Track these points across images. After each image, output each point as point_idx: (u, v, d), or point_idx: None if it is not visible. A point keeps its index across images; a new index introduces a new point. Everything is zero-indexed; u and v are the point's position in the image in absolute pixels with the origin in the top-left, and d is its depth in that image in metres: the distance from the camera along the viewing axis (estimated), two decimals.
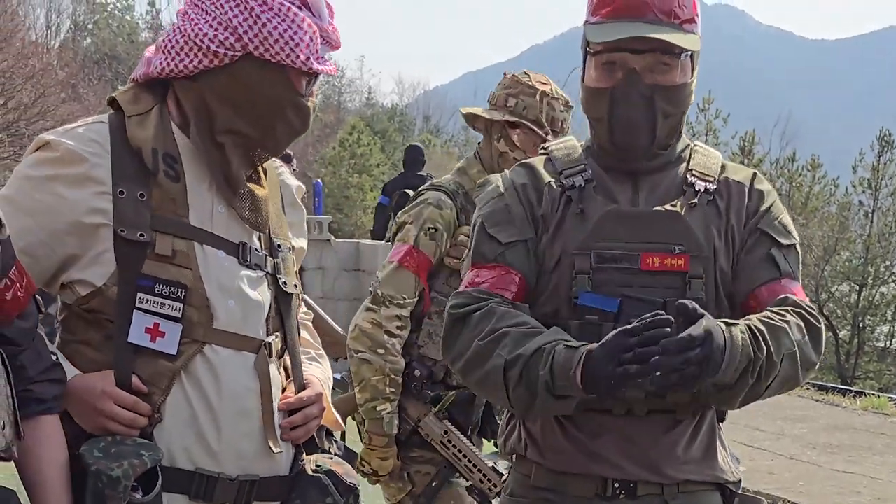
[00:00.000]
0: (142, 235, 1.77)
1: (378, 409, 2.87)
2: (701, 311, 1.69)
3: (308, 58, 1.82)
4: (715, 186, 1.96)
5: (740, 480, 1.99)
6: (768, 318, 1.85)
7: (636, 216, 1.93)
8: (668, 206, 1.93)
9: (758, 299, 1.92)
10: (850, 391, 11.68)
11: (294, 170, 12.80)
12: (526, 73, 3.08)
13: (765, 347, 1.79)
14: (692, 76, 1.96)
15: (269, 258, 1.93)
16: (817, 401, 9.07)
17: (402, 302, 2.87)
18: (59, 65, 24.74)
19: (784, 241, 1.95)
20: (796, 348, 1.82)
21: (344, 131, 31.85)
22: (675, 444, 1.90)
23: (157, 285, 1.77)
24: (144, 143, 1.82)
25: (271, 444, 1.86)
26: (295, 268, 2.03)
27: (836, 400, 9.42)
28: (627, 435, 1.88)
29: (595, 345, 1.72)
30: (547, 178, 1.99)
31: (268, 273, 1.92)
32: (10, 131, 19.62)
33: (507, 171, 2.08)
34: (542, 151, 2.09)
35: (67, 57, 28.50)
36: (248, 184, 1.90)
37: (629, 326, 1.69)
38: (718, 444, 1.97)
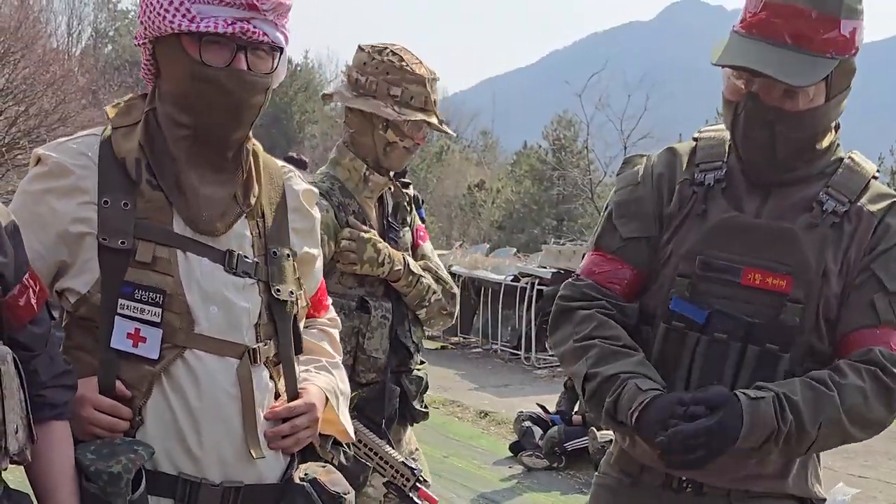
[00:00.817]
0: (123, 243, 1.80)
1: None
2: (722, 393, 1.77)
3: (192, 20, 1.77)
4: (846, 209, 1.87)
5: (824, 501, 1.96)
6: (817, 382, 1.81)
7: (750, 228, 1.88)
8: (785, 223, 1.86)
9: (848, 344, 1.87)
10: None
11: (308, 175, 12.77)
12: (395, 54, 2.89)
13: (791, 418, 1.76)
14: (832, 95, 1.86)
15: (261, 266, 1.91)
16: None
17: None
18: (80, 71, 24.90)
19: (892, 287, 1.85)
20: (843, 415, 1.79)
21: None
22: (747, 457, 1.85)
23: (136, 291, 1.80)
24: (129, 153, 1.84)
25: (252, 451, 1.85)
26: (300, 274, 2.00)
27: None
28: None
29: (659, 395, 1.81)
30: (683, 173, 1.97)
31: (260, 280, 1.90)
32: (30, 137, 19.72)
33: (652, 155, 2.05)
34: (695, 135, 2.05)
35: (88, 63, 28.72)
36: (206, 184, 1.86)
37: (684, 396, 1.78)
38: (800, 462, 1.92)
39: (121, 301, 1.80)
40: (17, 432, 1.60)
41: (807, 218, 1.87)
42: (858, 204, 1.89)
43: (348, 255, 2.74)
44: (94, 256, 1.81)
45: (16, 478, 1.75)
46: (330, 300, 2.28)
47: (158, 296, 1.80)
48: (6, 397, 1.57)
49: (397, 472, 2.80)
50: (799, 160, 1.90)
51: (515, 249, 16.68)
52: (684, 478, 1.91)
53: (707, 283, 1.87)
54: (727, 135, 1.98)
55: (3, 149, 19.21)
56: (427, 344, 12.27)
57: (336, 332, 2.21)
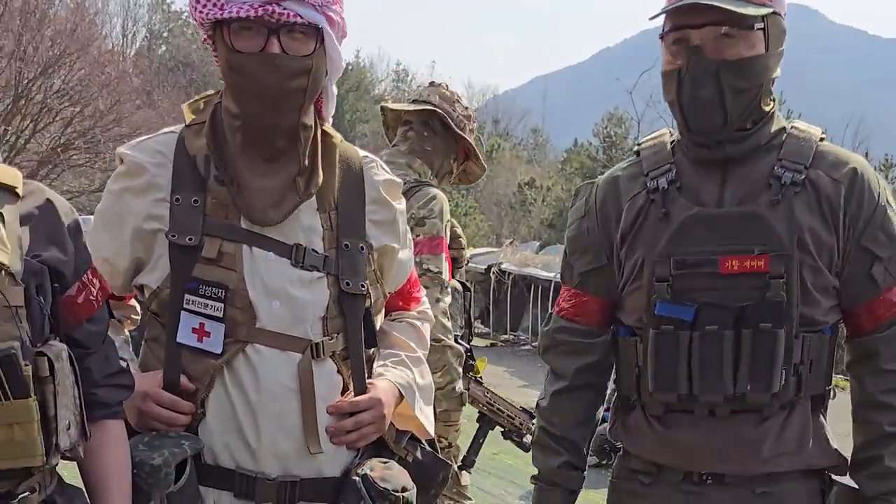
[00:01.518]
0: (190, 240, 1.82)
1: (456, 388, 3.13)
2: None
3: (221, 7, 1.76)
4: (803, 176, 1.87)
5: (846, 461, 1.95)
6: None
7: (716, 218, 1.88)
8: (748, 206, 1.87)
9: (859, 318, 1.92)
10: None
11: None
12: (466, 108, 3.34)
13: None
14: (770, 48, 1.88)
15: (331, 259, 1.89)
16: None
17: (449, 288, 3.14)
18: (135, 72, 25.31)
19: (884, 254, 1.88)
20: None
21: None
22: (762, 440, 1.87)
23: (201, 286, 1.82)
24: (199, 150, 1.87)
25: (310, 445, 1.85)
26: (377, 267, 1.98)
27: None
28: (711, 434, 1.89)
29: None
30: (629, 192, 1.99)
31: (329, 274, 1.88)
32: (86, 138, 20.10)
33: (597, 182, 2.09)
34: (635, 149, 2.07)
35: (143, 64, 29.19)
36: (260, 175, 1.85)
37: None
38: (814, 431, 1.91)
39: (187, 296, 1.82)
40: (69, 429, 1.60)
41: (767, 196, 1.87)
42: (816, 170, 1.89)
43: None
44: (166, 253, 1.84)
45: (70, 473, 1.77)
46: (423, 291, 2.26)
47: (221, 291, 1.81)
48: (59, 394, 1.58)
49: (521, 420, 3.38)
50: (747, 119, 1.89)
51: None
52: (704, 471, 1.91)
53: (686, 279, 1.87)
54: (667, 137, 2.02)
55: (59, 149, 19.60)
56: (477, 342, 12.30)
57: (426, 327, 2.18)
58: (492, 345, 11.71)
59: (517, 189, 35.20)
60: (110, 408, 1.75)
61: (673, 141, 2.01)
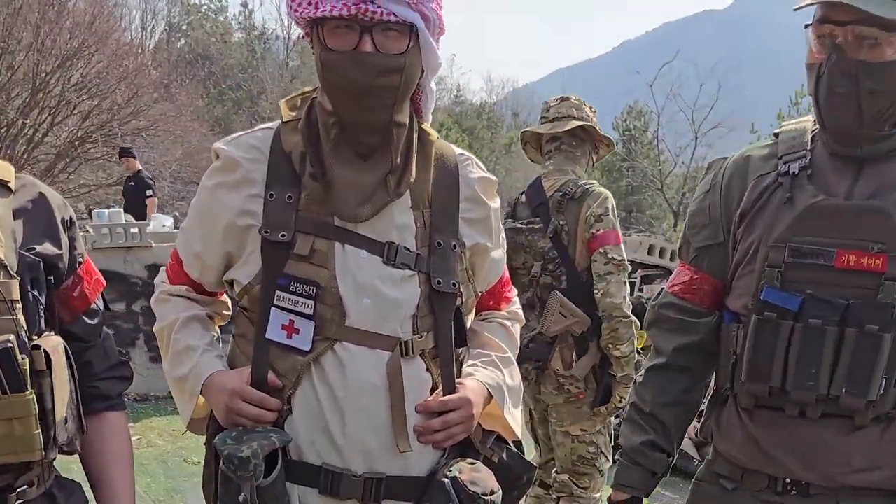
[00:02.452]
0: (283, 236, 1.82)
1: (635, 356, 3.71)
2: None
3: (316, 6, 1.76)
4: None
5: None
6: None
7: (839, 209, 1.82)
8: (875, 201, 1.81)
9: None
10: None
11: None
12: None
13: None
14: None
15: (423, 257, 1.88)
16: None
17: None
18: (153, 65, 25.36)
19: None
20: None
21: (433, 128, 31.90)
22: (853, 451, 1.81)
23: (292, 283, 1.81)
24: (294, 147, 1.88)
25: (399, 444, 1.84)
26: (469, 265, 1.98)
27: None
28: (800, 437, 1.84)
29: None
30: (758, 170, 1.95)
31: (420, 272, 1.88)
32: (103, 131, 20.15)
33: (729, 158, 2.06)
34: (775, 131, 2.04)
35: (161, 57, 29.24)
36: (351, 171, 1.84)
37: None
38: None
39: (277, 293, 1.82)
40: (66, 423, 1.61)
41: None
42: None
43: None
44: (258, 249, 1.84)
45: (67, 465, 1.80)
46: (515, 291, 2.23)
47: (312, 288, 1.81)
48: (56, 388, 1.59)
49: None
50: (885, 122, 1.84)
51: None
52: (789, 479, 1.87)
53: (798, 269, 1.82)
54: (809, 125, 1.98)
55: (77, 142, 19.66)
56: None
57: (516, 327, 2.17)
58: None
59: None
60: (111, 400, 1.78)
61: (814, 130, 1.96)
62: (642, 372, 2.11)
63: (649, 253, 9.85)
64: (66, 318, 1.71)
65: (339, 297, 1.82)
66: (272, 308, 1.82)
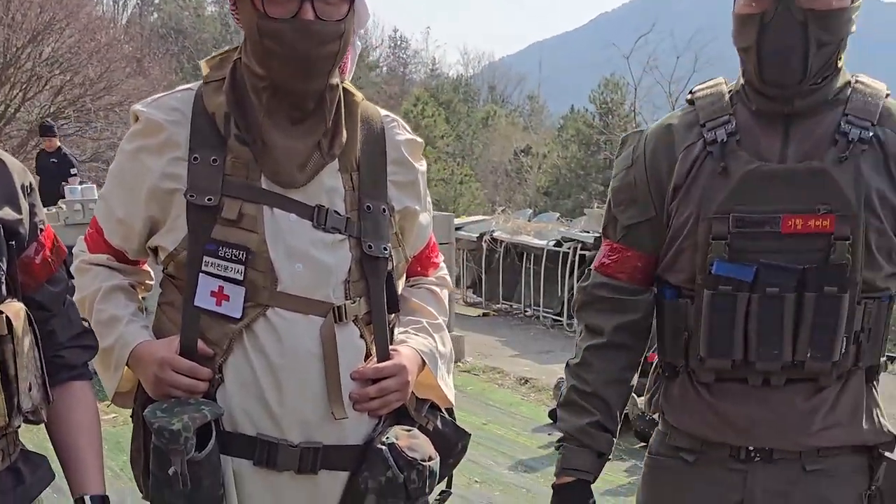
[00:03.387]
0: (209, 200, 1.78)
1: None
2: None
3: None
4: (871, 133, 1.78)
5: (893, 440, 1.88)
6: None
7: (779, 174, 1.79)
8: (814, 162, 1.78)
9: None
10: None
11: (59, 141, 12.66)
12: None
13: None
14: (854, 1, 1.77)
15: (353, 221, 1.85)
16: None
17: None
18: (125, 39, 25.00)
19: None
20: None
21: (408, 103, 31.81)
22: (815, 411, 1.81)
23: (220, 248, 1.78)
24: (217, 108, 1.82)
25: (334, 412, 1.81)
26: (398, 229, 1.94)
27: None
28: (764, 405, 1.82)
29: (580, 475, 2.00)
30: (684, 141, 1.88)
31: (351, 236, 1.85)
32: (76, 106, 19.92)
33: (647, 130, 2.00)
34: (688, 98, 1.98)
35: (134, 31, 28.86)
36: (287, 136, 1.81)
37: None
38: (866, 405, 1.85)
39: (205, 259, 1.78)
40: (30, 390, 1.59)
41: (834, 152, 1.77)
42: (883, 128, 1.79)
43: None
44: (183, 213, 1.80)
45: (33, 438, 1.80)
46: (441, 257, 2.19)
47: (242, 253, 1.78)
48: (18, 354, 1.56)
49: None
50: (825, 73, 1.79)
51: (559, 214, 16.46)
52: (752, 447, 1.85)
53: (745, 239, 1.78)
54: (723, 87, 1.92)
55: (49, 118, 19.38)
56: (469, 311, 12.20)
57: (444, 293, 2.15)
58: (484, 314, 11.63)
59: (513, 156, 35.04)
60: (76, 369, 1.75)
61: (731, 90, 1.91)
62: (577, 354, 2.04)
63: None
64: (28, 285, 1.67)
65: (271, 263, 1.79)
66: (200, 274, 1.79)
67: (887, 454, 1.87)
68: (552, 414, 6.80)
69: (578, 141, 33.44)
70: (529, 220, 13.41)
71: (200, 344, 1.80)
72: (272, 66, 1.76)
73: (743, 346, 1.80)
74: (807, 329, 1.76)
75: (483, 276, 11.81)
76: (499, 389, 7.85)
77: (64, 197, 8.37)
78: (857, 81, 1.85)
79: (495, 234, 11.60)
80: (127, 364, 1.86)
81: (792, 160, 1.79)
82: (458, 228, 11.07)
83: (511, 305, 11.65)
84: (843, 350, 1.78)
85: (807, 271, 1.75)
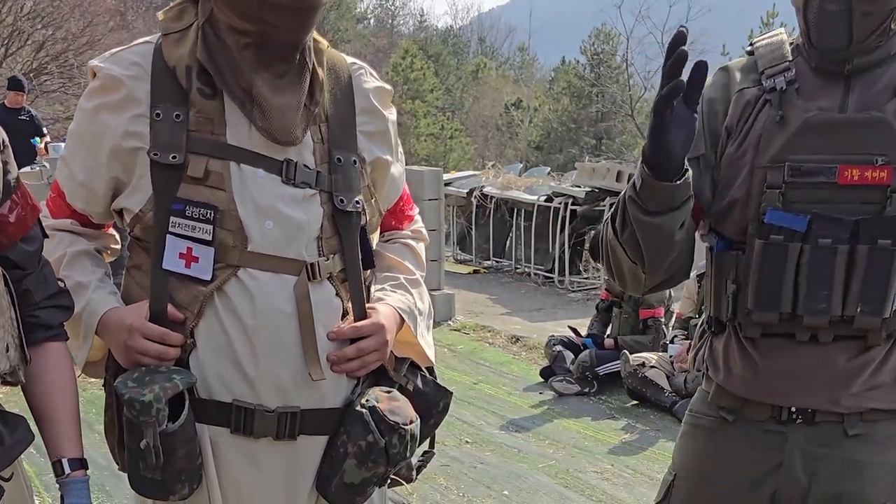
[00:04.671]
0: (174, 158, 1.71)
1: None
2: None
3: None
4: None
5: None
6: None
7: (838, 123, 1.74)
8: (874, 112, 1.73)
9: None
10: None
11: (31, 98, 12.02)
12: None
13: None
14: None
15: (324, 174, 1.80)
16: None
17: None
18: None
19: None
20: None
21: (397, 56, 31.49)
22: (860, 371, 1.76)
23: (187, 208, 1.72)
24: (179, 61, 1.75)
25: (311, 373, 1.76)
26: (370, 182, 1.89)
27: None
28: (809, 363, 1.78)
29: None
30: (739, 84, 1.85)
31: (322, 190, 1.79)
32: (58, 62, 19.63)
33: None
34: (748, 48, 1.92)
35: None
36: (277, 92, 1.75)
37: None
38: None
39: (172, 219, 1.72)
40: (7, 351, 1.57)
41: (894, 104, 1.72)
42: None
43: None
44: (147, 173, 1.74)
45: (9, 400, 1.75)
46: (416, 210, 2.12)
47: (209, 212, 1.72)
48: None
49: None
50: (879, 40, 1.75)
51: (549, 169, 16.31)
52: (794, 408, 1.80)
53: (800, 189, 1.73)
54: (784, 37, 1.89)
55: (31, 74, 19.10)
56: (459, 269, 12.12)
57: (421, 247, 2.09)
58: (474, 271, 11.54)
59: (504, 110, 34.78)
60: (52, 329, 1.71)
61: (792, 42, 1.87)
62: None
63: (618, 179, 9.72)
64: (2, 244, 1.63)
65: (240, 221, 1.73)
66: (167, 235, 1.72)
67: None
68: (544, 372, 6.75)
69: (570, 94, 33.20)
70: (520, 175, 13.29)
71: (170, 308, 1.74)
72: (270, 20, 1.69)
73: (792, 299, 1.75)
74: (858, 282, 1.72)
75: (473, 233, 11.70)
76: (489, 348, 7.78)
77: (34, 158, 8.22)
78: None
79: (485, 190, 11.47)
80: (96, 332, 1.79)
81: (852, 110, 1.75)
82: (447, 184, 10.95)
83: (501, 262, 11.56)
84: (894, 307, 1.73)
85: (861, 223, 1.71)
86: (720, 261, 1.86)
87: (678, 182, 1.65)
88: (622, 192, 1.76)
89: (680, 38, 1.54)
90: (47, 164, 7.65)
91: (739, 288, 1.81)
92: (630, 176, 9.13)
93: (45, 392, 1.71)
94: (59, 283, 1.75)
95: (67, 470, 1.69)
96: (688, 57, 1.55)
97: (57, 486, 1.69)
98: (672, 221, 1.71)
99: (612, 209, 1.81)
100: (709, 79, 1.88)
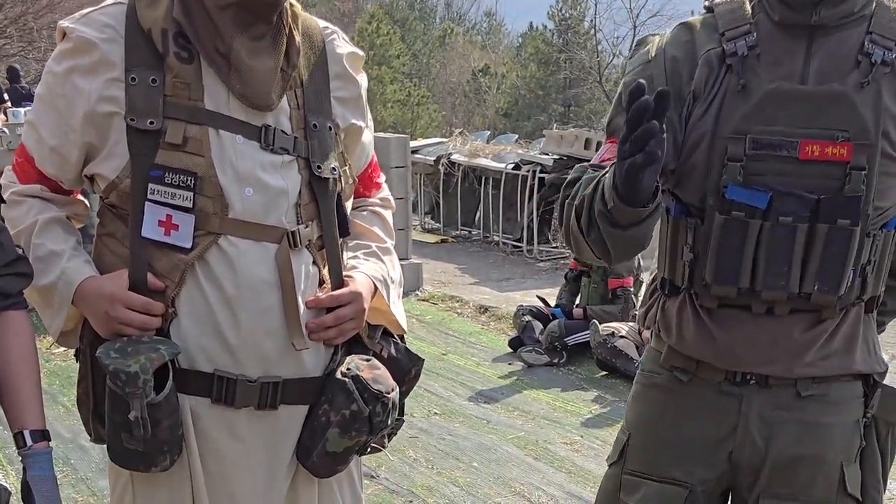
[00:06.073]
0: (152, 123, 1.69)
1: None
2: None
3: None
4: (894, 55, 1.72)
5: (886, 370, 1.88)
6: None
7: (799, 95, 1.72)
8: (835, 85, 1.71)
9: None
10: None
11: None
12: None
13: None
14: None
15: (300, 140, 1.79)
16: None
17: None
18: None
19: None
20: None
21: (362, 21, 31.17)
22: (813, 341, 1.79)
23: (166, 174, 1.69)
24: (154, 23, 1.72)
25: (294, 342, 1.76)
26: (344, 148, 1.88)
27: None
28: (764, 334, 1.79)
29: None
30: (705, 45, 1.80)
31: (299, 157, 1.78)
32: (17, 25, 19.22)
33: (667, 31, 1.90)
34: (706, 4, 1.88)
35: None
36: (255, 55, 1.73)
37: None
38: (863, 335, 1.84)
39: (151, 186, 1.69)
40: None
41: (856, 76, 1.70)
42: None
43: None
44: (123, 139, 1.71)
45: None
46: (383, 177, 2.09)
47: (189, 178, 1.70)
48: None
49: None
50: None
51: (517, 136, 16.24)
52: (748, 372, 1.82)
53: (760, 162, 1.72)
54: None
55: None
56: (426, 238, 12.04)
57: (389, 214, 2.09)
58: (442, 241, 11.48)
59: (471, 77, 34.59)
60: (11, 298, 1.70)
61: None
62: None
63: (586, 147, 9.68)
64: None
65: (220, 188, 1.71)
66: (146, 203, 1.69)
67: (884, 383, 1.87)
68: (513, 343, 6.73)
69: (537, 60, 33.07)
70: (488, 143, 13.20)
71: (150, 277, 1.72)
72: None
73: (750, 275, 1.75)
74: (816, 261, 1.73)
75: (441, 202, 11.63)
76: (458, 319, 7.75)
77: None
78: None
79: (453, 158, 11.39)
80: (72, 302, 1.76)
81: (813, 79, 1.72)
82: (414, 152, 10.84)
83: (470, 231, 11.51)
84: (850, 283, 1.75)
85: (821, 202, 1.70)
86: (676, 225, 1.85)
87: (651, 205, 1.65)
88: (587, 192, 1.74)
89: (638, 91, 1.51)
90: (6, 131, 7.46)
91: (696, 257, 1.80)
92: (598, 144, 9.13)
93: (5, 362, 1.68)
94: (17, 249, 1.71)
95: (29, 442, 1.66)
96: (649, 107, 1.51)
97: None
98: (644, 230, 1.71)
99: (574, 198, 1.79)
100: (669, 34, 1.86)
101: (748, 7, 1.80)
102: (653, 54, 1.85)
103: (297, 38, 1.81)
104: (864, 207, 1.71)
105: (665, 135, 1.54)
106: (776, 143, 1.71)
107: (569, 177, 1.89)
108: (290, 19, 1.80)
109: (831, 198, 1.70)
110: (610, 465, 1.99)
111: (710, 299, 1.81)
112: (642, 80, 1.52)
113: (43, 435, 1.68)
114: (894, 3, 1.78)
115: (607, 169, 1.72)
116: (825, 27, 1.73)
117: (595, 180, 1.75)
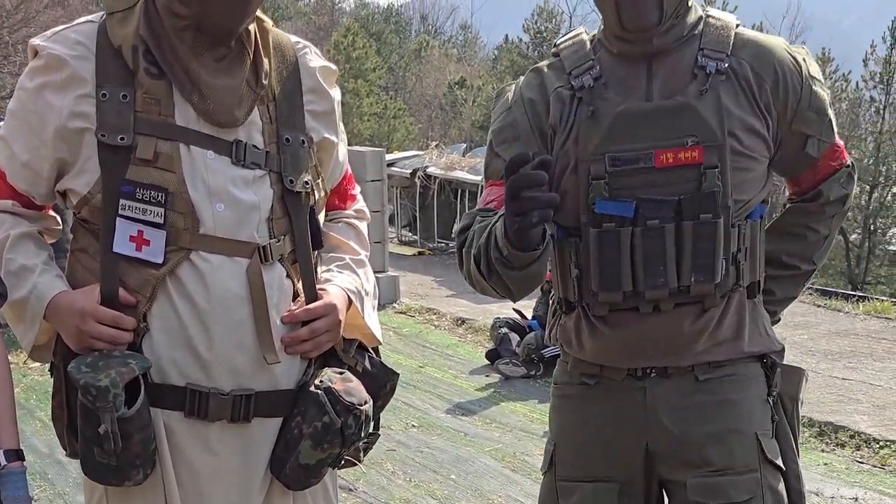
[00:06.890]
0: (122, 139, 1.70)
1: None
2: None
3: None
4: (727, 64, 1.88)
5: (783, 349, 2.02)
6: None
7: (647, 112, 1.87)
8: (678, 97, 1.87)
9: (799, 184, 2.04)
10: (854, 296, 11.29)
11: None
12: None
13: None
14: None
15: (272, 155, 1.80)
16: (819, 306, 8.74)
17: None
18: None
19: (815, 129, 1.94)
20: None
21: (338, 34, 31.16)
22: (701, 332, 1.91)
23: (137, 190, 1.70)
24: (124, 40, 1.74)
25: (266, 356, 1.77)
26: (317, 161, 1.90)
27: (839, 305, 9.02)
28: (655, 331, 1.90)
29: None
30: (554, 84, 1.96)
31: (271, 171, 1.79)
32: None
33: (521, 78, 2.05)
34: (553, 51, 2.04)
35: None
36: (216, 74, 1.76)
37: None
38: (750, 319, 1.97)
39: (122, 201, 1.71)
40: None
41: (695, 86, 1.86)
42: (737, 58, 1.90)
43: None
44: (95, 154, 1.72)
45: None
46: (358, 189, 2.11)
47: (160, 194, 1.70)
48: None
49: None
50: (679, 11, 1.89)
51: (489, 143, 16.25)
52: (647, 366, 1.93)
53: (622, 177, 1.86)
54: (584, 36, 2.01)
55: None
56: (403, 250, 12.08)
57: (364, 226, 2.10)
58: (419, 253, 11.49)
59: (447, 90, 34.65)
60: None
61: (592, 38, 1.98)
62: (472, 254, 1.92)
63: None
64: None
65: (191, 204, 1.72)
66: (118, 218, 1.71)
67: (782, 362, 2.01)
68: (490, 355, 6.75)
69: (513, 73, 33.15)
70: (464, 155, 13.23)
71: (122, 292, 1.72)
72: (203, 4, 1.69)
73: (631, 278, 1.87)
74: (688, 255, 1.85)
75: (417, 214, 11.64)
76: (435, 331, 7.77)
77: None
78: (708, 16, 1.95)
79: (429, 171, 11.41)
80: (44, 317, 1.76)
81: (657, 96, 1.87)
82: (390, 164, 10.87)
83: (447, 244, 11.52)
84: (724, 271, 1.87)
85: (682, 201, 1.84)
86: (561, 247, 1.96)
87: (542, 247, 1.77)
88: (482, 242, 1.86)
89: (521, 161, 1.65)
90: None
91: (582, 272, 1.91)
92: None
93: None
94: None
95: (3, 461, 1.65)
96: (528, 184, 1.65)
97: None
98: (538, 267, 1.82)
99: (470, 246, 1.91)
100: (522, 81, 2.02)
101: (589, 47, 1.96)
102: (511, 101, 1.99)
103: (265, 55, 1.82)
104: (724, 201, 1.84)
105: (552, 193, 1.69)
106: (633, 158, 1.84)
107: (461, 224, 2.00)
108: (254, 38, 1.81)
109: (691, 197, 1.84)
110: (544, 475, 2.09)
111: (600, 307, 1.91)
112: (525, 152, 1.68)
113: (17, 454, 1.67)
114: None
115: (497, 217, 1.84)
116: (661, 52, 1.88)
117: (486, 229, 1.86)
